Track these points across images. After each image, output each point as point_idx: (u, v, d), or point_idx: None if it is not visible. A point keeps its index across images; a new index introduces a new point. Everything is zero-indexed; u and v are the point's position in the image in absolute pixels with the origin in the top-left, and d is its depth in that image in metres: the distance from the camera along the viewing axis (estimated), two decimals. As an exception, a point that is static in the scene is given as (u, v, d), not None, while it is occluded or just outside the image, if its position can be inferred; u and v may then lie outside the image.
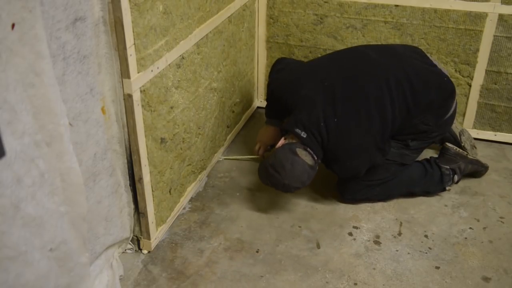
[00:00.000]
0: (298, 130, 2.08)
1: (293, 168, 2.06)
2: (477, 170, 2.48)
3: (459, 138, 2.52)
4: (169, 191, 2.15)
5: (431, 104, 2.21)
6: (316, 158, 2.10)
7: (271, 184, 2.15)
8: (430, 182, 2.35)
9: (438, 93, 2.23)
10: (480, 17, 2.53)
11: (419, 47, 2.44)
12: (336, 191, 2.39)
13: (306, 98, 2.12)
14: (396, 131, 2.21)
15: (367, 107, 2.10)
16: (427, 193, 2.37)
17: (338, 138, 2.08)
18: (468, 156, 2.43)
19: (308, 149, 2.08)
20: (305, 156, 2.07)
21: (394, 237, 2.17)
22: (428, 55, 2.36)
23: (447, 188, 2.38)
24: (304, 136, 2.07)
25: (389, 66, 2.21)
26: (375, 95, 2.11)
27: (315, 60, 2.38)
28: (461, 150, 2.42)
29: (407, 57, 2.30)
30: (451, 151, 2.40)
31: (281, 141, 2.16)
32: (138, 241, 2.07)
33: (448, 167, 2.37)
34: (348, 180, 2.28)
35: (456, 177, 2.39)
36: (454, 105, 2.30)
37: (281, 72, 2.38)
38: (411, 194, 2.37)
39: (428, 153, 2.61)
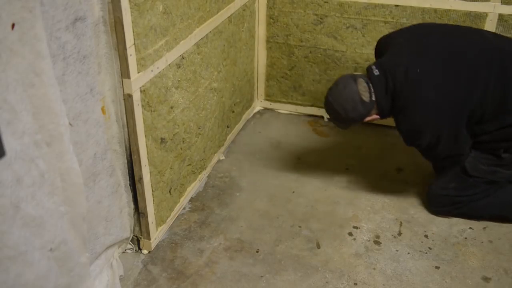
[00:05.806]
0: (373, 67, 2.03)
1: (343, 90, 2.02)
2: None
3: None
4: (169, 191, 2.15)
5: None
6: (372, 98, 2.01)
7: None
8: None
9: None
10: (480, 17, 2.52)
11: None
12: (336, 191, 2.39)
13: (396, 45, 2.09)
14: (481, 119, 2.01)
15: (458, 72, 1.98)
16: None
17: (415, 87, 1.98)
18: None
19: (371, 85, 2.01)
20: (363, 88, 2.01)
21: (394, 237, 2.17)
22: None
23: None
24: (376, 74, 2.01)
25: (496, 44, 2.06)
26: (472, 65, 1.98)
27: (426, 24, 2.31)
28: None
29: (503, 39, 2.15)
30: None
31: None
32: (138, 241, 2.07)
33: None
34: (438, 194, 2.22)
35: None
36: None
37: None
38: (504, 219, 2.19)
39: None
